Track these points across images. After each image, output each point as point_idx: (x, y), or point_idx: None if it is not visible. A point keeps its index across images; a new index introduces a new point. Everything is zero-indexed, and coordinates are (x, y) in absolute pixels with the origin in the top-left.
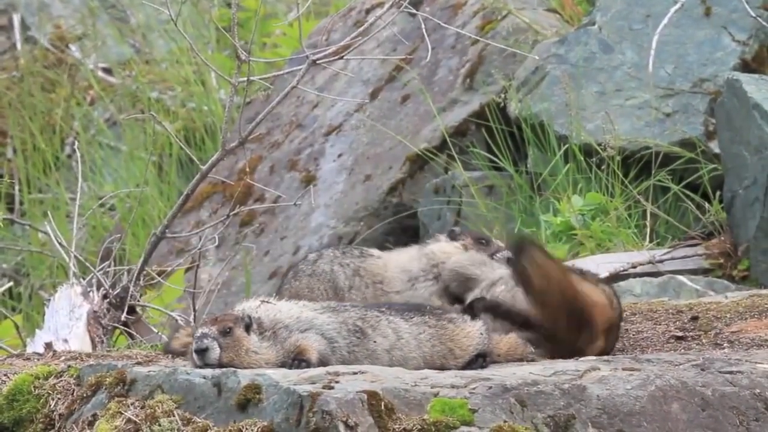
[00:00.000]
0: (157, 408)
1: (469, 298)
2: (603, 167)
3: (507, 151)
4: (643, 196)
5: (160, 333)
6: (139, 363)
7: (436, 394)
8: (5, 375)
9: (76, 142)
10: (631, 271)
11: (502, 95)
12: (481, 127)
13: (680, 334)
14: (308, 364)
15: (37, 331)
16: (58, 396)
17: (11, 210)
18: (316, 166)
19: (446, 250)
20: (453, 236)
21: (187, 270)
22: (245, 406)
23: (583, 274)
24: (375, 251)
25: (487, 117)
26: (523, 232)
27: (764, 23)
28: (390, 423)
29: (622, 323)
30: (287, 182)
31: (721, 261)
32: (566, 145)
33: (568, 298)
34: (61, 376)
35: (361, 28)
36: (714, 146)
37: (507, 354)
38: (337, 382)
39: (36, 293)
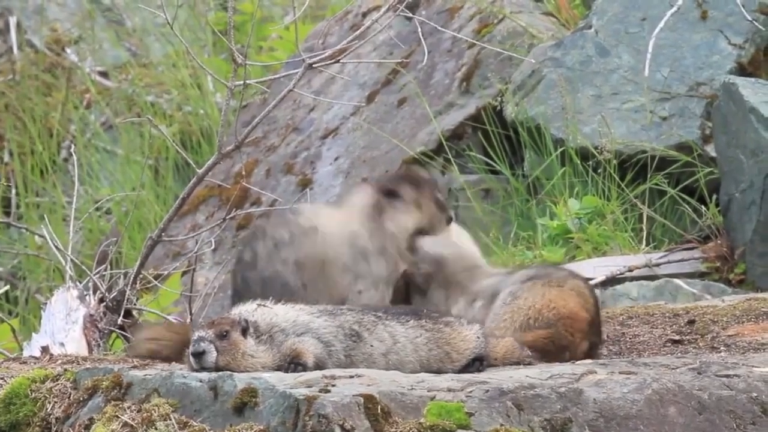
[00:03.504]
0: (153, 412)
1: (453, 307)
2: (599, 171)
3: (503, 155)
4: (640, 200)
5: None
6: (135, 367)
7: (432, 398)
8: (2, 379)
9: (73, 146)
10: (628, 274)
11: (499, 99)
12: (478, 130)
13: (677, 337)
14: (305, 368)
15: (33, 334)
16: (55, 399)
17: (8, 213)
18: (312, 169)
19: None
20: (389, 195)
21: (184, 273)
22: (241, 410)
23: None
24: (305, 209)
25: (484, 120)
26: None
27: (760, 27)
28: (386, 427)
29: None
30: (284, 186)
31: (718, 264)
32: (562, 149)
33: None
34: (57, 380)
35: (358, 32)
36: (710, 150)
37: (504, 357)
38: (333, 385)
39: (32, 297)
